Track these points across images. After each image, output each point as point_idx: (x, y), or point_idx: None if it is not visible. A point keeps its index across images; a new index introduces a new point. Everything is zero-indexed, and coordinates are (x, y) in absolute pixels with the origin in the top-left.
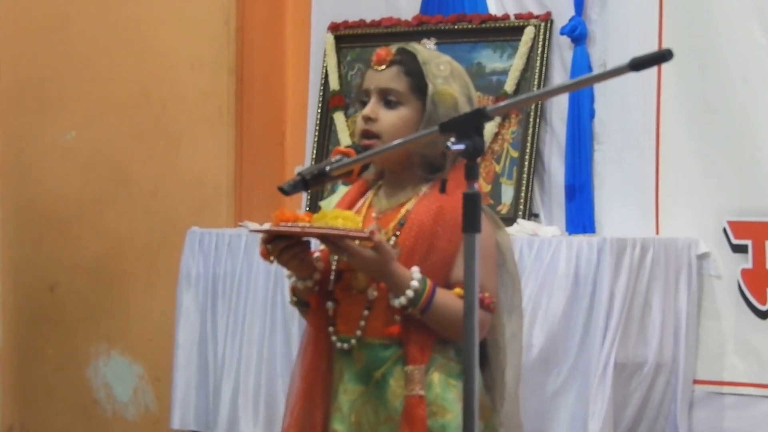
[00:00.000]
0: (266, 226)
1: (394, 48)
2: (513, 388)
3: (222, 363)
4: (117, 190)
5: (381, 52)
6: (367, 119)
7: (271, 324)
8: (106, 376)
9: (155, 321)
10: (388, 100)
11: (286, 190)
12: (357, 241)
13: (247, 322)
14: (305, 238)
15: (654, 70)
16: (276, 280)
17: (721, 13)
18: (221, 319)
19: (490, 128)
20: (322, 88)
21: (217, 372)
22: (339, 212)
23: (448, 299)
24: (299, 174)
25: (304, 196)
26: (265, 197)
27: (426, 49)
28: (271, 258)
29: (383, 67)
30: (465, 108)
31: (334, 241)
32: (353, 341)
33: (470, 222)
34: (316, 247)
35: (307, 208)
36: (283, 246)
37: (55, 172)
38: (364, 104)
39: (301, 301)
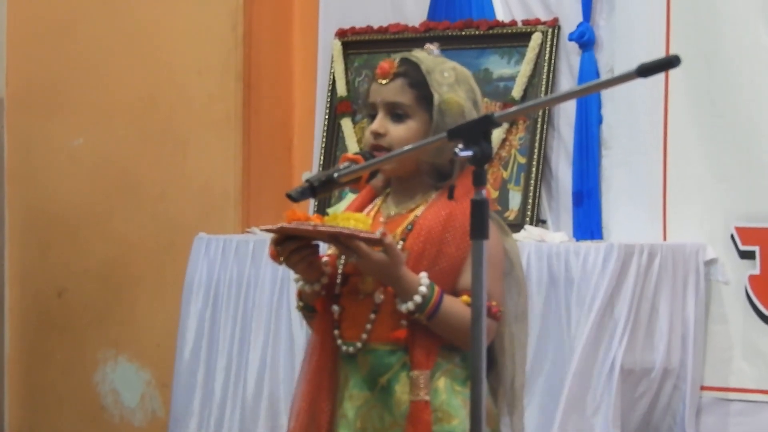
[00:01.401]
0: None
1: (397, 58)
2: (518, 394)
3: (227, 369)
4: (124, 195)
5: (384, 65)
6: (376, 134)
7: (276, 330)
8: (113, 381)
9: (163, 326)
10: (396, 113)
11: (294, 197)
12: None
13: (253, 328)
14: (315, 242)
15: (661, 75)
16: (282, 287)
17: (728, 18)
18: (228, 325)
19: (497, 134)
20: (329, 94)
21: (221, 378)
22: (350, 214)
23: (456, 306)
24: (307, 181)
25: (311, 203)
26: (273, 203)
27: (429, 57)
28: (281, 259)
29: (387, 80)
30: (472, 113)
31: (344, 241)
32: (359, 345)
33: (478, 228)
34: (325, 251)
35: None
36: (292, 248)
37: (63, 178)
38: (372, 117)
39: (307, 306)
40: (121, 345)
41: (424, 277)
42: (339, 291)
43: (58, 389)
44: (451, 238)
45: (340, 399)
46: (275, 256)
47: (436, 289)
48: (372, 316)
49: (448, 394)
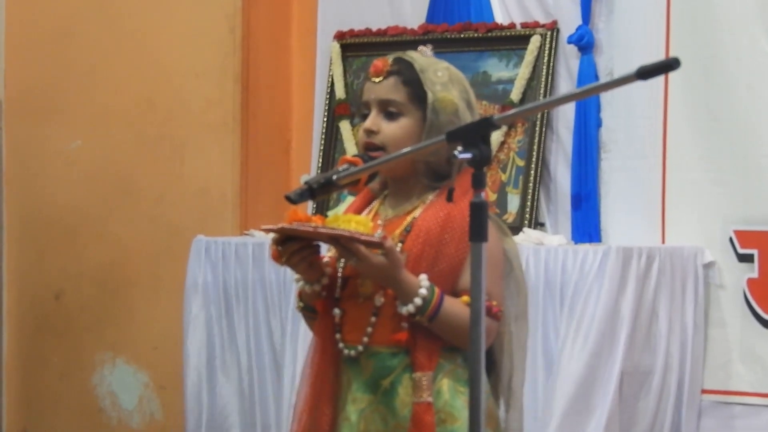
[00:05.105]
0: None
1: (391, 58)
2: (518, 394)
3: (230, 371)
4: (122, 198)
5: (378, 63)
6: (369, 132)
7: (277, 332)
8: (111, 384)
9: (160, 329)
10: (389, 111)
11: (293, 199)
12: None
13: (253, 330)
14: (315, 242)
15: (660, 78)
16: (282, 289)
17: (727, 22)
18: (226, 327)
19: (496, 137)
20: (327, 96)
21: (225, 380)
22: (351, 216)
23: (456, 307)
24: (306, 183)
25: (310, 206)
26: (271, 206)
27: (423, 57)
28: (282, 260)
29: (381, 78)
30: (465, 113)
31: (344, 243)
32: (360, 348)
33: (477, 231)
34: (325, 253)
35: None
36: (294, 249)
37: (60, 181)
38: (365, 117)
39: (307, 306)
40: (119, 347)
41: (423, 279)
42: (339, 294)
43: (56, 392)
44: (449, 239)
45: (342, 402)
46: (277, 257)
47: (436, 290)
48: (372, 319)
49: (451, 395)
